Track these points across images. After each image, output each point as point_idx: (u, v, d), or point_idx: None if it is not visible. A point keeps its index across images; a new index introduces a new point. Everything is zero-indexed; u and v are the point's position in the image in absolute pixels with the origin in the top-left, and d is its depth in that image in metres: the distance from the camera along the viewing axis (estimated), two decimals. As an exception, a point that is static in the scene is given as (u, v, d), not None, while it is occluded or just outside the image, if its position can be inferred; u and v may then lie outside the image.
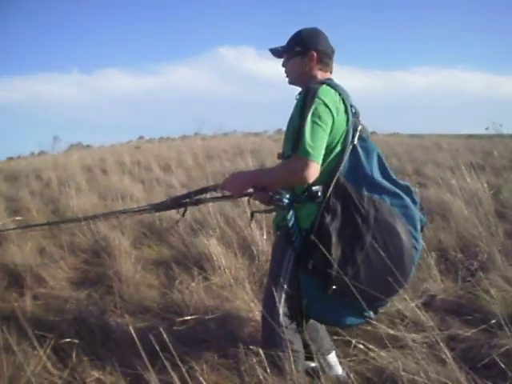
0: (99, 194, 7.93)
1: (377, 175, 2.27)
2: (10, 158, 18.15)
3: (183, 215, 2.75)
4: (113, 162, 11.65)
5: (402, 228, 2.22)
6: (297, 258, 2.32)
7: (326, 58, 2.44)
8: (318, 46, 2.42)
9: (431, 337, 2.42)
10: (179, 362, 2.17)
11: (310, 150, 2.12)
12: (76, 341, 3.03)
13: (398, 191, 2.28)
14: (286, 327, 2.35)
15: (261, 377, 2.35)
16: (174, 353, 2.18)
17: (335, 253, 2.19)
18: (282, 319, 2.35)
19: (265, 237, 4.61)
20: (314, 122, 2.15)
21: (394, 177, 2.34)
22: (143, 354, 2.01)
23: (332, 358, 2.73)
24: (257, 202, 2.56)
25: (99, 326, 3.36)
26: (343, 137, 2.27)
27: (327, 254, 2.17)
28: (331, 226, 2.20)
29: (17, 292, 4.23)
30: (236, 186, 2.42)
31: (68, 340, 3.00)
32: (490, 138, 14.71)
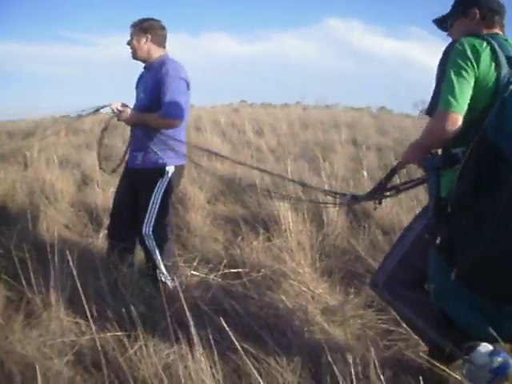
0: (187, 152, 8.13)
1: None
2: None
3: (380, 203, 2.70)
4: (208, 121, 11.88)
5: None
6: (429, 230, 2.09)
7: (489, 13, 2.23)
8: (479, 2, 2.24)
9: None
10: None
11: (447, 100, 1.98)
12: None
13: None
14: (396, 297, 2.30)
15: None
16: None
17: (459, 226, 1.90)
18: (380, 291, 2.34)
19: (337, 207, 4.58)
20: (452, 72, 2.01)
21: None
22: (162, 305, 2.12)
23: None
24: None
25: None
26: (491, 90, 2.02)
27: (448, 228, 1.95)
28: (458, 192, 1.92)
29: (94, 230, 4.48)
30: (414, 155, 2.26)
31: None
32: None
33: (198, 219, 4.60)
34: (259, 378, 2.06)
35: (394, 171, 2.52)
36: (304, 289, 3.27)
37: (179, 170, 3.48)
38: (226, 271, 3.49)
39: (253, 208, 5.04)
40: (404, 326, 2.82)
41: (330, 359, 2.22)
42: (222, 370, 2.19)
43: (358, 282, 3.57)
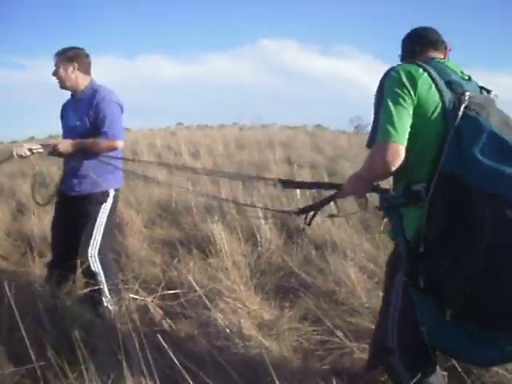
0: (123, 175, 8.13)
1: (490, 162, 1.71)
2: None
3: (309, 224, 2.59)
4: (145, 144, 11.94)
5: None
6: (407, 273, 1.96)
7: (404, 48, 2.36)
8: (402, 44, 2.39)
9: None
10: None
11: (386, 130, 1.87)
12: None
13: None
14: (402, 371, 2.04)
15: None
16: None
17: (440, 266, 1.82)
18: (394, 358, 2.07)
19: (269, 225, 4.76)
20: (389, 101, 1.92)
21: None
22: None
23: None
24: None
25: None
26: (434, 116, 1.91)
27: (427, 268, 1.85)
28: (433, 233, 1.82)
29: (31, 259, 4.47)
30: (357, 187, 2.18)
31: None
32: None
33: (135, 243, 4.68)
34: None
35: (330, 200, 2.46)
36: (240, 305, 3.39)
37: (118, 192, 3.62)
38: (164, 293, 3.55)
39: (189, 230, 5.17)
40: (339, 335, 2.99)
41: (267, 371, 2.34)
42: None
43: (292, 296, 3.74)
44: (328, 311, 3.43)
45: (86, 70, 3.53)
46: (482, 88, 2.13)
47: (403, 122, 1.88)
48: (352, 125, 26.96)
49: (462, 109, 1.84)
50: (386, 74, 2.03)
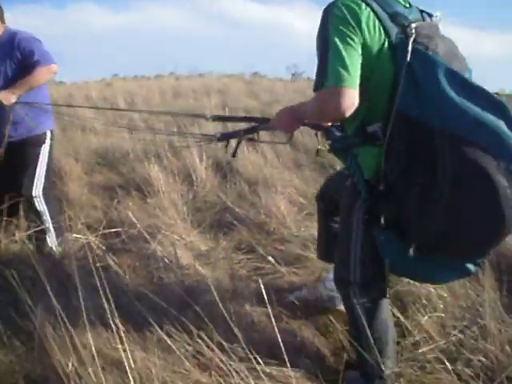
0: (61, 126, 8.15)
1: (448, 98, 1.64)
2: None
3: (234, 155, 2.54)
4: (80, 96, 11.85)
5: (494, 167, 1.60)
6: (368, 211, 1.95)
7: None
8: None
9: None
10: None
11: (338, 73, 1.68)
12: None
13: (483, 117, 1.62)
14: (359, 303, 2.05)
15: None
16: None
17: (404, 205, 1.79)
18: (354, 291, 2.06)
19: (204, 166, 5.00)
20: (337, 41, 1.72)
21: (486, 94, 1.66)
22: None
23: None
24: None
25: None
26: (382, 54, 1.77)
27: (392, 208, 1.85)
28: (394, 172, 1.77)
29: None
30: (285, 124, 2.14)
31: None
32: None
33: (75, 190, 4.83)
34: (144, 310, 2.42)
35: (254, 130, 2.40)
36: (177, 238, 3.65)
37: (53, 133, 3.74)
38: (105, 231, 3.74)
39: (127, 174, 5.38)
40: (271, 260, 3.33)
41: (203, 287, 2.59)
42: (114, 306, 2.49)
43: (227, 229, 4.03)
44: (260, 241, 3.72)
45: (2, 17, 3.55)
46: (422, 12, 1.96)
47: (354, 62, 1.71)
48: (289, 72, 27.26)
49: (410, 43, 1.70)
50: (327, 10, 1.82)
